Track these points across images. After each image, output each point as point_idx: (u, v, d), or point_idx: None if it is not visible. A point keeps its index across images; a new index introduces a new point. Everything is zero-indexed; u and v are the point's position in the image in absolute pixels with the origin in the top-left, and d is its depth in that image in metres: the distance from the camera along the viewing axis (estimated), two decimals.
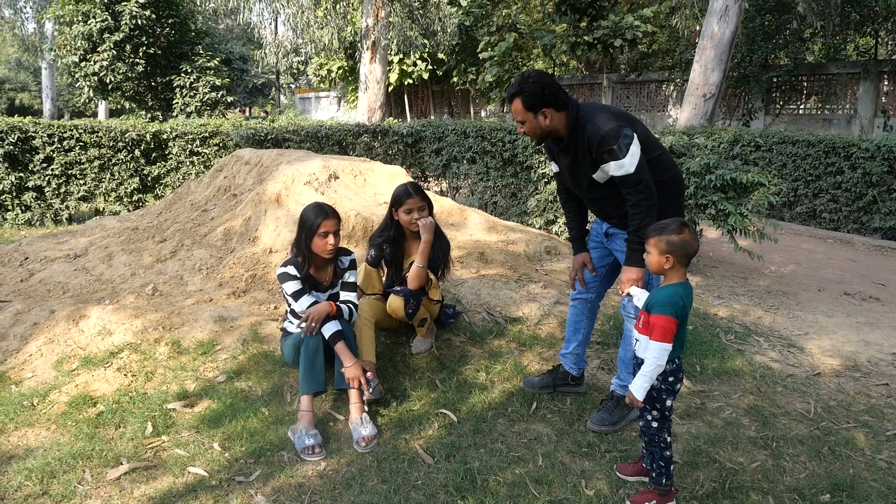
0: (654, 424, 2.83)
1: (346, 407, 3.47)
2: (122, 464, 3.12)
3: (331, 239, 3.45)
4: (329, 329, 3.40)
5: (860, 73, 16.77)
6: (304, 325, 3.39)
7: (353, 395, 3.39)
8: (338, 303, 3.53)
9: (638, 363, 2.86)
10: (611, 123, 3.14)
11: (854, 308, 6.12)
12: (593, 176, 3.27)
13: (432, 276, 3.94)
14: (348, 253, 3.68)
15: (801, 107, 18.48)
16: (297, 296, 3.47)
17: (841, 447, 3.41)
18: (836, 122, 17.23)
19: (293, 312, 3.61)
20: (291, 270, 3.48)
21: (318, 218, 3.44)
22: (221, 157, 10.61)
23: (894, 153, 9.22)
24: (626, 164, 3.11)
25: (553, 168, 3.67)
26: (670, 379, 2.80)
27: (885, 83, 16.84)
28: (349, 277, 3.65)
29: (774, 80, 17.99)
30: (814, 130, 14.95)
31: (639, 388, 2.74)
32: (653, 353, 2.70)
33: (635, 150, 3.11)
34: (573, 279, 3.67)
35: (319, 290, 3.58)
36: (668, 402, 2.81)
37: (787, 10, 16.78)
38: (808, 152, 10.38)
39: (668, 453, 2.84)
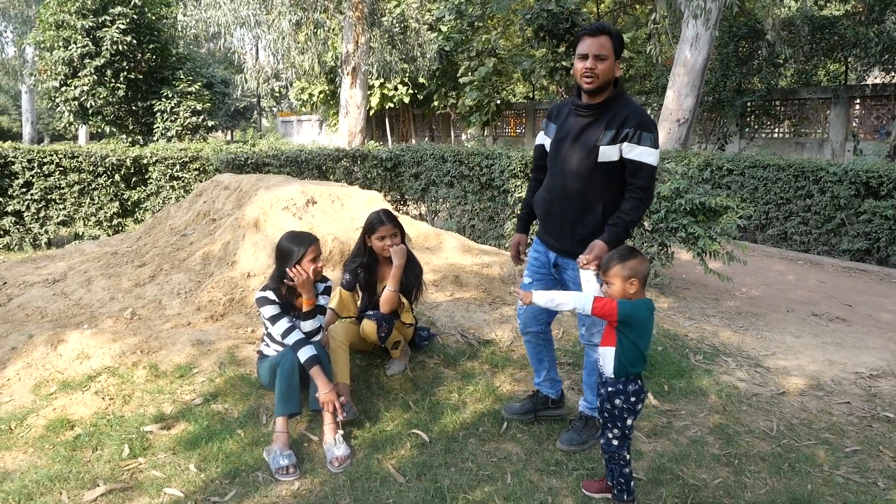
0: (615, 442, 2.93)
1: (321, 428, 3.54)
2: (98, 486, 3.17)
3: (318, 263, 3.57)
4: (305, 353, 3.48)
5: (831, 99, 17.17)
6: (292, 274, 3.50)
7: (327, 416, 3.47)
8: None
9: (602, 381, 2.96)
10: (652, 119, 3.24)
11: (821, 329, 6.27)
12: (603, 148, 3.18)
13: (405, 300, 4.04)
14: (325, 280, 3.78)
15: (776, 131, 18.86)
16: (274, 320, 3.55)
17: (801, 464, 3.53)
18: (809, 146, 17.59)
19: (270, 336, 3.69)
20: (270, 295, 3.56)
21: (304, 246, 3.55)
22: (201, 181, 10.68)
23: (861, 177, 9.46)
24: (656, 155, 3.16)
25: (540, 139, 3.57)
26: (632, 399, 2.90)
27: (855, 108, 17.26)
28: (321, 301, 3.75)
29: (748, 104, 18.36)
30: (787, 154, 15.28)
31: (543, 298, 2.93)
32: (581, 300, 2.85)
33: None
34: (514, 257, 3.69)
35: (300, 316, 3.66)
36: (629, 422, 2.92)
37: (760, 36, 17.19)
38: (778, 176, 10.61)
39: (627, 470, 2.94)
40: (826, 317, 6.85)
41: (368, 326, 3.87)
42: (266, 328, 3.68)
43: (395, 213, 4.21)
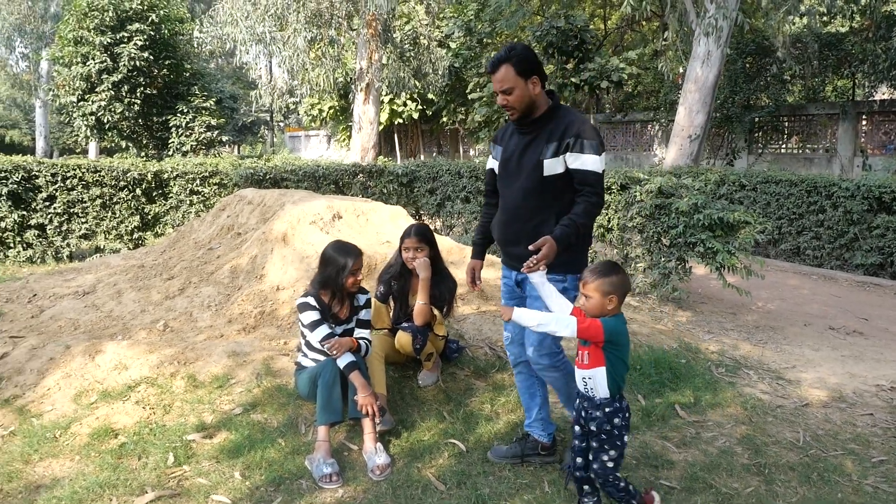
0: (611, 465, 2.87)
1: (360, 437, 3.63)
2: (147, 492, 3.26)
3: (359, 275, 3.69)
4: (345, 359, 3.59)
5: (839, 114, 17.29)
6: (327, 346, 3.57)
7: (367, 425, 3.55)
8: (358, 339, 3.73)
9: (596, 404, 2.89)
10: (593, 126, 3.23)
11: (839, 342, 6.35)
12: (547, 162, 3.16)
13: (437, 313, 4.14)
14: (365, 292, 3.89)
15: (783, 146, 18.98)
16: (314, 325, 3.65)
17: (830, 473, 3.60)
18: (817, 162, 17.70)
19: (308, 345, 3.78)
20: (312, 301, 3.67)
21: (351, 257, 3.69)
22: (220, 196, 10.81)
23: (874, 192, 9.56)
24: (600, 161, 3.12)
25: (490, 163, 3.56)
26: (627, 415, 2.91)
27: (863, 124, 17.37)
28: (365, 315, 3.86)
29: (757, 120, 18.48)
30: (796, 169, 15.39)
31: (524, 316, 2.83)
32: (563, 322, 2.77)
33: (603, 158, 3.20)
34: (470, 283, 3.69)
35: (337, 323, 3.77)
36: (626, 438, 2.92)
37: (768, 53, 17.34)
38: (790, 191, 10.71)
39: (622, 484, 2.89)
40: (843, 330, 6.92)
41: (404, 338, 3.98)
42: (304, 336, 3.78)
43: (430, 230, 4.30)
